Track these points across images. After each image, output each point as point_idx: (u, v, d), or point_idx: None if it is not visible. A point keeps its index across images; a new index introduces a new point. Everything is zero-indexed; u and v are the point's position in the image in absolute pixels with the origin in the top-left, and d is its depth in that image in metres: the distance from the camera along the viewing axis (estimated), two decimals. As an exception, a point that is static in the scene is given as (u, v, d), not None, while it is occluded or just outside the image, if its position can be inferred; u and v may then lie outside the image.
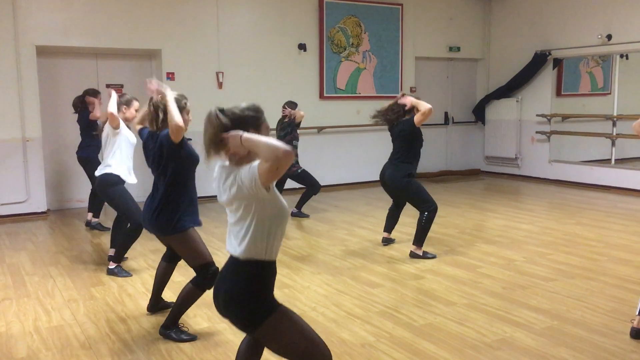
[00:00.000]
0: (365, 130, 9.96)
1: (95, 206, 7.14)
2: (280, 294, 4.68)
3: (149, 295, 4.70)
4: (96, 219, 7.21)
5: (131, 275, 5.28)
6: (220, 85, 8.93)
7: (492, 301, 4.47)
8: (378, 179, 6.11)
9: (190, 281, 3.87)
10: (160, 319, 4.17)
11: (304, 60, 9.67)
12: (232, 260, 2.46)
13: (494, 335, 3.82)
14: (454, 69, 11.58)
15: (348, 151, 10.12)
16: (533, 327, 3.95)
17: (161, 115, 3.75)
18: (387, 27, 10.37)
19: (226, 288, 2.44)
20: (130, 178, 5.37)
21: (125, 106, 5.29)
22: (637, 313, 3.76)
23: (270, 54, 9.35)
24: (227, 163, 2.45)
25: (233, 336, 3.88)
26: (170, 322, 3.88)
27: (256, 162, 2.29)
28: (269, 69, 9.35)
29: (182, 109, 3.76)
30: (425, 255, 5.67)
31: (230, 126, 2.39)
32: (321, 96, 9.82)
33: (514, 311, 4.24)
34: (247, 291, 2.40)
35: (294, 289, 4.84)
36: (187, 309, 3.92)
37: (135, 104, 5.33)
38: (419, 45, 10.74)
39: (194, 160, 3.87)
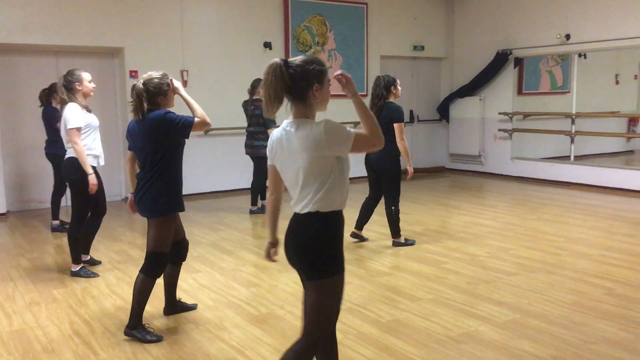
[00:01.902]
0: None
1: (56, 208, 6.99)
2: (247, 293, 4.68)
3: (114, 297, 4.65)
4: (56, 222, 7.03)
5: (98, 276, 5.19)
6: (185, 83, 8.83)
7: (457, 296, 4.54)
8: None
9: (140, 271, 3.85)
10: (125, 319, 4.11)
11: (270, 58, 9.44)
12: (305, 214, 2.49)
13: (459, 330, 3.89)
14: (419, 68, 11.72)
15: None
16: (496, 320, 4.04)
17: (145, 105, 3.69)
18: (352, 26, 10.43)
19: (302, 235, 2.50)
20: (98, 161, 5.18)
21: (77, 83, 4.99)
22: None
23: (235, 53, 9.31)
24: (290, 126, 2.50)
25: (200, 336, 3.86)
26: (133, 321, 3.82)
27: (345, 129, 2.43)
28: (234, 67, 9.30)
29: (165, 92, 3.75)
30: (407, 242, 6.02)
31: (296, 79, 2.45)
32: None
33: (478, 305, 4.32)
34: (326, 239, 2.49)
35: (261, 288, 4.84)
36: (146, 303, 3.86)
37: (86, 76, 5.05)
38: (384, 44, 10.83)
39: (184, 142, 3.85)
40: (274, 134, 2.60)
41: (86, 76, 5.07)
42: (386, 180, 5.95)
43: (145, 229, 3.98)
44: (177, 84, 3.87)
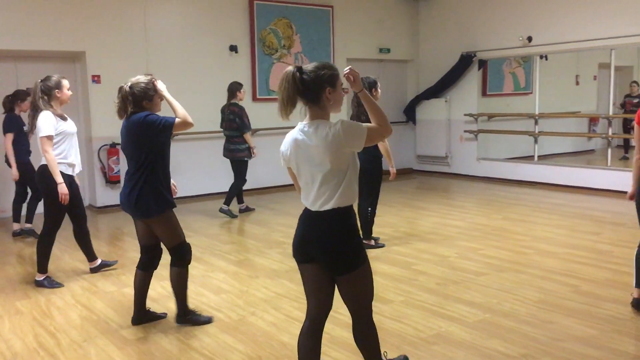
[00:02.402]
0: (299, 132, 9.96)
1: (17, 213, 6.87)
2: (217, 299, 4.62)
3: (79, 307, 4.54)
4: (29, 225, 6.89)
5: (62, 286, 5.07)
6: (149, 88, 8.69)
7: (428, 297, 4.57)
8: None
9: (172, 265, 4.05)
10: (92, 329, 4.02)
11: (236, 62, 9.58)
12: (325, 211, 2.64)
13: (430, 331, 3.91)
14: (385, 70, 11.78)
15: (282, 153, 10.08)
16: (466, 320, 4.07)
17: (130, 107, 3.81)
18: (318, 29, 10.43)
19: (325, 232, 2.66)
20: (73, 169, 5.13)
21: (57, 90, 4.96)
22: (634, 286, 4.12)
23: (200, 56, 9.20)
24: (307, 127, 2.66)
25: (170, 345, 3.79)
26: (183, 310, 4.09)
27: (359, 124, 2.65)
28: (199, 71, 9.20)
29: (150, 97, 3.87)
30: (377, 245, 6.06)
31: (310, 84, 2.61)
32: (254, 98, 9.75)
33: (448, 306, 4.35)
34: (350, 233, 2.69)
35: (231, 294, 4.78)
36: (187, 290, 4.11)
37: (66, 83, 5.04)
38: (350, 46, 10.85)
39: (169, 142, 3.97)
40: (289, 136, 2.75)
41: (66, 83, 5.05)
42: (366, 181, 5.94)
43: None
44: (161, 85, 3.96)
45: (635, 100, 11.48)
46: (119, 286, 5.06)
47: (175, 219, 4.04)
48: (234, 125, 7.66)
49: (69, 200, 4.91)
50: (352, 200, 2.68)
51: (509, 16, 10.20)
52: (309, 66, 2.66)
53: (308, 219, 2.73)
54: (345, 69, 2.66)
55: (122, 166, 8.34)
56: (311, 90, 2.62)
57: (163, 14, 8.93)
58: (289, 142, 2.73)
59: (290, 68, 2.63)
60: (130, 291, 4.90)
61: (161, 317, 4.26)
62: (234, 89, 7.82)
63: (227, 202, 7.86)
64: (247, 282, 5.11)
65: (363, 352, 2.92)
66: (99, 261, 5.51)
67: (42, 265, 5.11)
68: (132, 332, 4.04)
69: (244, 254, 6.11)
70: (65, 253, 6.10)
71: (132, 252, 6.21)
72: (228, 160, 7.98)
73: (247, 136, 7.70)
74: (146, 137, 3.80)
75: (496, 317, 4.12)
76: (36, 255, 5.14)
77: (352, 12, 10.84)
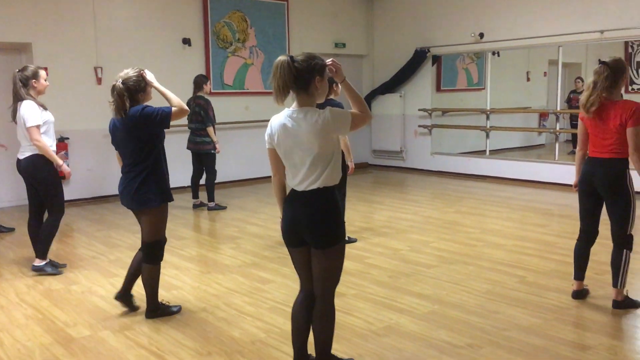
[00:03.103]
0: (255, 127, 9.92)
1: None
2: (169, 295, 4.55)
3: (24, 306, 4.42)
4: None
5: (62, 272, 5.17)
6: (99, 80, 8.50)
7: (379, 290, 4.62)
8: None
9: (144, 262, 4.01)
10: (36, 328, 3.92)
11: (189, 55, 9.44)
12: (313, 190, 2.81)
13: (380, 323, 3.95)
14: (341, 65, 11.78)
15: (237, 148, 10.02)
16: (416, 312, 4.13)
17: (127, 103, 3.79)
18: (273, 23, 10.38)
19: (314, 209, 2.82)
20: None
21: (34, 80, 4.97)
22: (573, 278, 4.30)
23: (153, 49, 9.04)
24: (295, 114, 2.79)
25: (118, 343, 3.72)
26: (153, 306, 4.08)
27: (344, 110, 2.86)
28: (152, 64, 8.94)
29: (143, 88, 3.88)
30: (350, 240, 5.97)
31: (302, 72, 2.75)
32: (208, 92, 9.62)
33: (399, 298, 4.41)
34: (334, 211, 2.85)
35: (182, 290, 4.72)
36: (158, 287, 4.11)
37: (43, 74, 5.06)
38: (306, 41, 10.83)
39: (164, 135, 3.96)
40: (275, 120, 2.87)
41: (43, 73, 5.07)
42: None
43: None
44: (150, 76, 3.95)
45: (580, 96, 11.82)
46: (66, 284, 4.94)
47: (166, 215, 4.03)
48: (200, 118, 7.63)
49: (55, 188, 5.02)
50: (336, 180, 2.86)
51: (462, 13, 10.37)
52: (300, 56, 2.81)
53: (296, 199, 2.88)
54: (328, 60, 2.85)
55: (70, 161, 8.13)
56: (303, 78, 2.77)
57: (113, 4, 8.71)
58: (276, 127, 2.85)
59: (282, 57, 2.76)
60: (77, 288, 4.81)
61: (134, 308, 4.22)
62: (200, 82, 7.76)
63: (211, 199, 7.90)
64: (198, 277, 5.06)
65: (319, 334, 3.01)
66: (45, 262, 5.28)
67: (44, 252, 5.16)
68: (79, 330, 3.94)
69: (196, 249, 6.05)
70: (10, 250, 5.92)
71: (81, 249, 6.07)
72: (188, 154, 7.92)
73: (210, 130, 7.65)
74: (146, 129, 3.81)
75: (445, 308, 4.20)
76: (38, 243, 5.15)
77: (307, 7, 10.83)
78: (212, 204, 7.90)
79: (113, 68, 8.62)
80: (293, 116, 2.81)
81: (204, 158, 7.83)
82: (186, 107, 3.93)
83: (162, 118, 3.81)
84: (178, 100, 3.92)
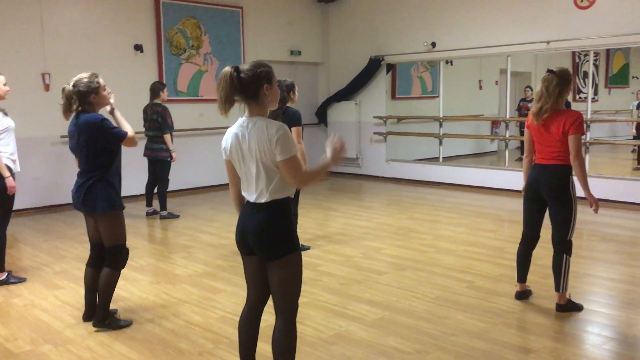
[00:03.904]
0: (209, 134, 9.83)
1: None
2: (114, 307, 4.43)
3: (-38, 321, 4.23)
4: None
5: (25, 280, 5.08)
6: (47, 87, 8.28)
7: (330, 297, 4.61)
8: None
9: (106, 266, 3.99)
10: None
11: (141, 62, 9.29)
12: (262, 203, 2.77)
13: (330, 331, 3.95)
14: (296, 73, 11.82)
15: (192, 155, 9.90)
16: (366, 319, 4.14)
17: (74, 106, 3.87)
18: (227, 30, 10.31)
19: (260, 222, 2.76)
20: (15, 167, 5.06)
21: None
22: (516, 280, 4.47)
23: (103, 55, 8.85)
24: (246, 123, 2.76)
25: (60, 358, 3.60)
26: (103, 314, 4.00)
27: (294, 146, 2.73)
28: (103, 70, 8.65)
29: (95, 89, 3.93)
30: (304, 247, 5.95)
31: (248, 82, 2.71)
32: (165, 99, 9.48)
33: (349, 305, 4.42)
34: (281, 223, 2.77)
35: (130, 301, 4.62)
36: (112, 295, 4.05)
37: (2, 79, 4.96)
38: (261, 48, 10.81)
39: (120, 139, 3.95)
40: (229, 131, 2.84)
41: (2, 79, 4.95)
42: None
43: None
44: (113, 101, 4.12)
45: (530, 105, 12.15)
46: (7, 297, 4.77)
47: (122, 221, 4.04)
48: (157, 125, 7.57)
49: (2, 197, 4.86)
50: (287, 193, 2.80)
51: (415, 22, 10.53)
52: (245, 65, 2.78)
53: (247, 210, 2.86)
54: (335, 139, 2.95)
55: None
56: (249, 87, 2.74)
57: (62, 8, 8.50)
58: (229, 136, 2.84)
59: (227, 68, 2.73)
60: (19, 301, 4.65)
61: (127, 324, 4.13)
62: (157, 89, 7.69)
63: (164, 207, 7.82)
64: (146, 288, 4.96)
65: (279, 357, 2.93)
66: (5, 275, 5.10)
67: (1, 264, 5.02)
68: (19, 345, 3.81)
69: (146, 259, 5.93)
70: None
71: (25, 261, 5.87)
72: (143, 162, 7.82)
73: (167, 138, 7.56)
74: (101, 140, 3.87)
75: (394, 314, 4.22)
76: None
77: (262, 14, 10.81)
78: (164, 213, 7.78)
79: (62, 74, 8.47)
80: (243, 125, 2.80)
81: (158, 165, 7.73)
82: (137, 141, 4.05)
83: (117, 137, 3.91)
84: (133, 131, 4.03)
